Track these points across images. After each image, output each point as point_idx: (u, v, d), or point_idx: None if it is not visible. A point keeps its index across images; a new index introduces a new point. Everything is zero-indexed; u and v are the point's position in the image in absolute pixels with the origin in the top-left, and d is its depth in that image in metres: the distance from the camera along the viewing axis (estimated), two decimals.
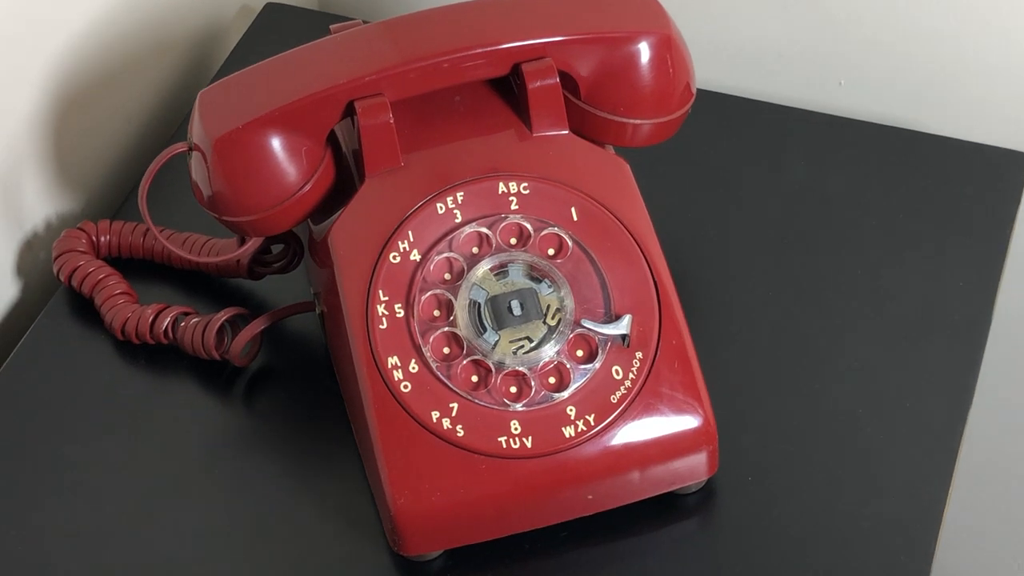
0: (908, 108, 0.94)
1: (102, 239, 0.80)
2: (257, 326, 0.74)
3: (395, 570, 0.69)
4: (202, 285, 0.80)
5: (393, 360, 0.67)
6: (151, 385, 0.77)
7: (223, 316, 0.75)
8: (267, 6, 0.96)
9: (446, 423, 0.66)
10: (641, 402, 0.67)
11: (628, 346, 0.67)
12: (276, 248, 0.77)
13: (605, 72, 0.71)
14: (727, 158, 0.85)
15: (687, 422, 0.67)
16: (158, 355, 0.77)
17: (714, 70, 0.96)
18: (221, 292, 0.80)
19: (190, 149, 0.70)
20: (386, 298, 0.67)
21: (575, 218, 0.69)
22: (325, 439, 0.73)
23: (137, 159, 0.91)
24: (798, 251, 0.80)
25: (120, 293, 0.78)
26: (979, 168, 0.83)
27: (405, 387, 0.66)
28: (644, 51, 0.71)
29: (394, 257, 0.68)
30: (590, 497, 0.67)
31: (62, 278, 0.79)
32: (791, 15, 0.92)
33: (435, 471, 0.66)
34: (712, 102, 0.86)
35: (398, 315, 0.67)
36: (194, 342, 0.75)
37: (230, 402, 0.76)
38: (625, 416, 0.66)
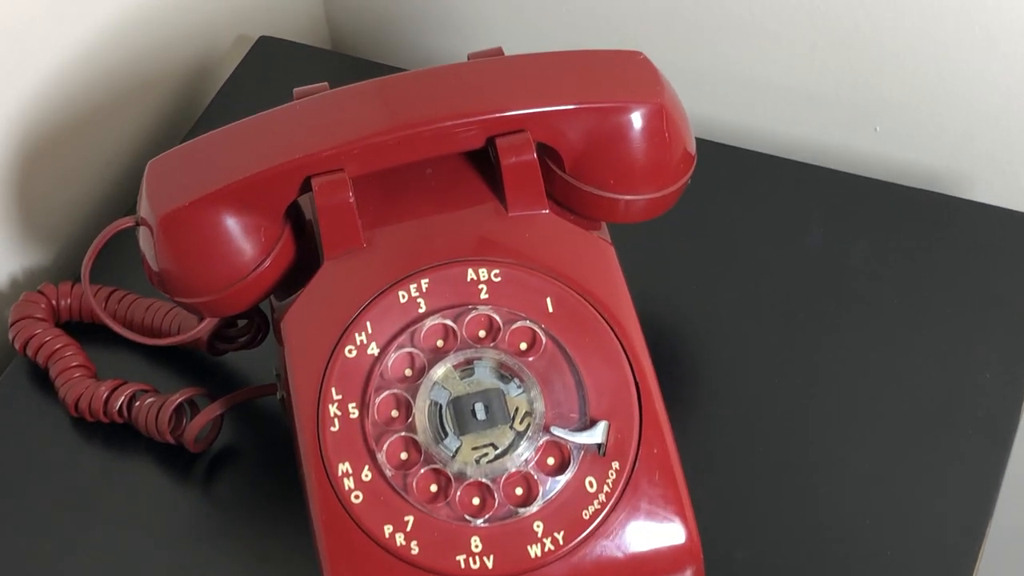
0: (945, 158, 0.87)
1: (62, 303, 0.76)
2: (213, 411, 0.69)
3: None
4: (166, 354, 0.75)
5: (344, 467, 0.61)
6: (107, 465, 0.71)
7: (178, 398, 0.70)
8: (261, 39, 0.91)
9: (400, 539, 0.60)
10: (616, 518, 0.60)
11: (604, 455, 0.61)
12: (242, 321, 0.72)
13: (592, 144, 0.65)
14: (730, 220, 0.78)
15: (669, 539, 0.60)
16: (116, 433, 0.72)
17: (740, 111, 0.90)
18: (185, 362, 0.74)
19: (137, 224, 0.65)
20: (339, 396, 0.62)
21: (550, 309, 0.63)
22: (285, 530, 0.68)
23: (116, 207, 0.86)
24: (806, 331, 0.73)
25: (76, 366, 0.73)
26: (1014, 238, 0.76)
27: (356, 497, 0.60)
28: (634, 122, 0.64)
29: (350, 351, 0.62)
30: None
31: (17, 346, 0.74)
32: (824, 56, 0.85)
33: None
34: (721, 156, 0.80)
35: (352, 416, 0.62)
36: (148, 424, 0.70)
37: (188, 486, 0.70)
38: (598, 534, 0.60)
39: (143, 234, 0.65)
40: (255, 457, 0.71)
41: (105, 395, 0.71)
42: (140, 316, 0.74)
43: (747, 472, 0.68)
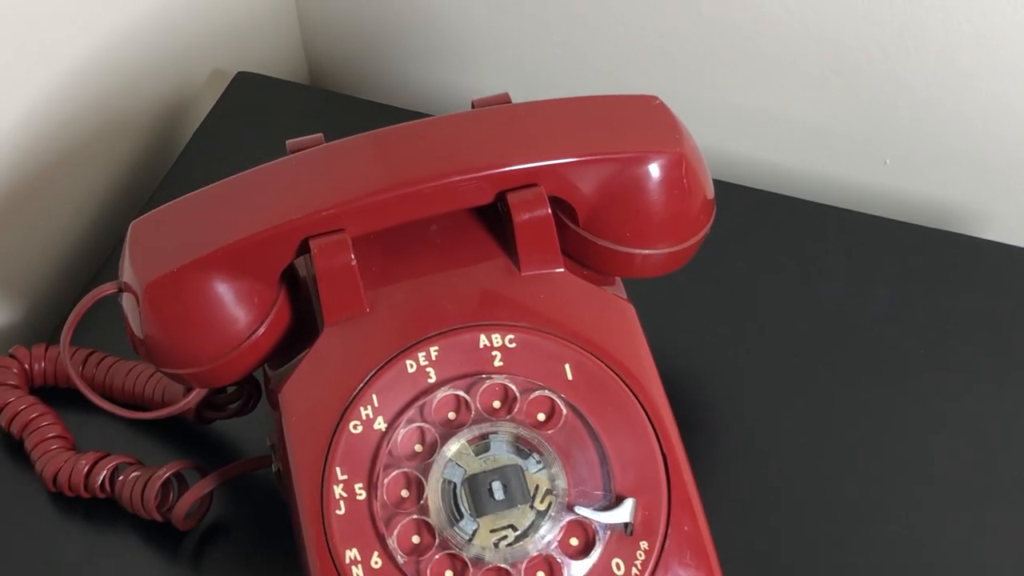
0: (958, 194, 0.83)
1: (36, 367, 0.70)
2: (203, 487, 0.64)
3: None
4: (149, 421, 0.70)
5: (352, 554, 0.56)
6: (89, 544, 0.66)
7: (166, 472, 0.65)
8: (239, 75, 0.86)
9: None
10: None
11: (631, 534, 0.57)
12: (232, 387, 0.67)
13: (607, 196, 0.61)
14: (743, 265, 0.74)
15: None
16: (97, 508, 0.67)
17: (744, 144, 0.86)
18: (170, 430, 0.70)
19: (120, 290, 0.60)
20: (345, 477, 0.57)
21: (570, 377, 0.59)
22: None
23: (89, 256, 0.81)
24: (831, 385, 0.69)
25: (53, 436, 0.68)
26: None
27: None
28: (654, 172, 0.60)
29: (355, 427, 0.58)
30: None
31: None
32: (832, 90, 0.82)
33: None
34: (729, 196, 0.75)
35: (359, 497, 0.57)
36: (133, 500, 0.65)
37: (177, 566, 0.66)
38: None
39: (127, 300, 0.60)
40: (248, 534, 0.66)
41: (86, 469, 0.66)
42: (120, 381, 0.69)
43: (780, 544, 0.64)
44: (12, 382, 0.70)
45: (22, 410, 0.68)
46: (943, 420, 0.67)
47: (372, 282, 0.60)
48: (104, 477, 0.66)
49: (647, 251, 0.62)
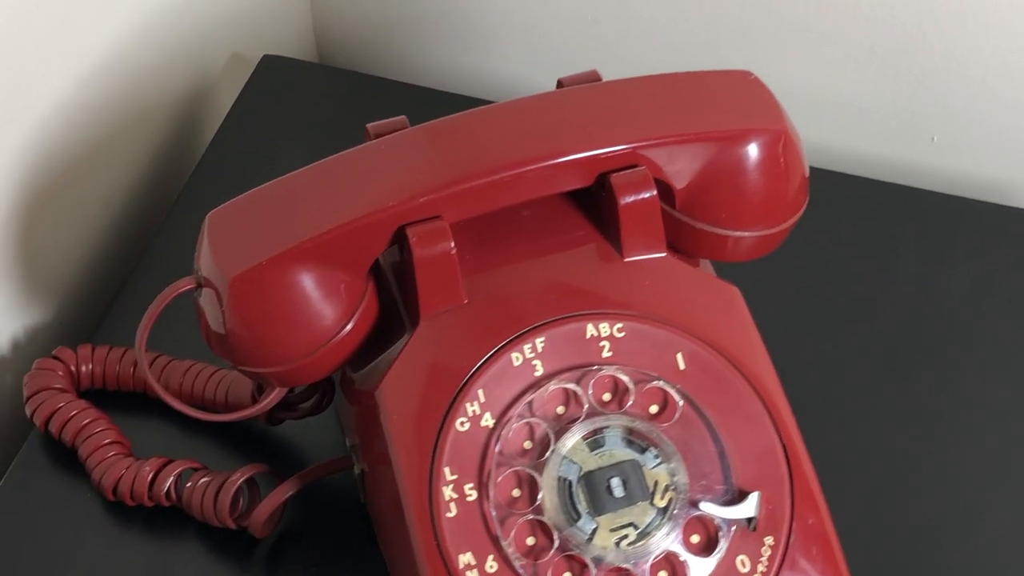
0: (1008, 168, 0.82)
1: (83, 368, 0.66)
2: (284, 492, 0.61)
3: None
4: (203, 425, 0.65)
5: (466, 558, 0.53)
6: (151, 557, 0.63)
7: (240, 477, 0.61)
8: (264, 59, 0.82)
9: None
10: None
11: (755, 530, 0.54)
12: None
13: (706, 176, 0.58)
14: (815, 248, 0.72)
15: None
16: (158, 517, 0.63)
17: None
18: (229, 435, 0.66)
19: (199, 285, 0.57)
20: (454, 477, 0.54)
21: (682, 366, 0.56)
22: None
23: (118, 250, 0.77)
24: (925, 370, 0.67)
25: (110, 443, 0.64)
26: None
27: None
28: (754, 151, 0.58)
29: (462, 424, 0.55)
30: None
31: (37, 423, 0.65)
32: (878, 68, 0.80)
33: None
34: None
35: (469, 498, 0.54)
36: (205, 507, 0.61)
37: (249, 575, 0.62)
38: None
39: (206, 295, 0.57)
40: (323, 540, 0.62)
41: (150, 476, 0.62)
42: (177, 382, 0.65)
43: (888, 533, 0.62)
44: (59, 385, 0.66)
45: (74, 416, 0.64)
46: None
47: (467, 272, 0.57)
48: (170, 484, 0.62)
49: (743, 233, 0.59)
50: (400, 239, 0.56)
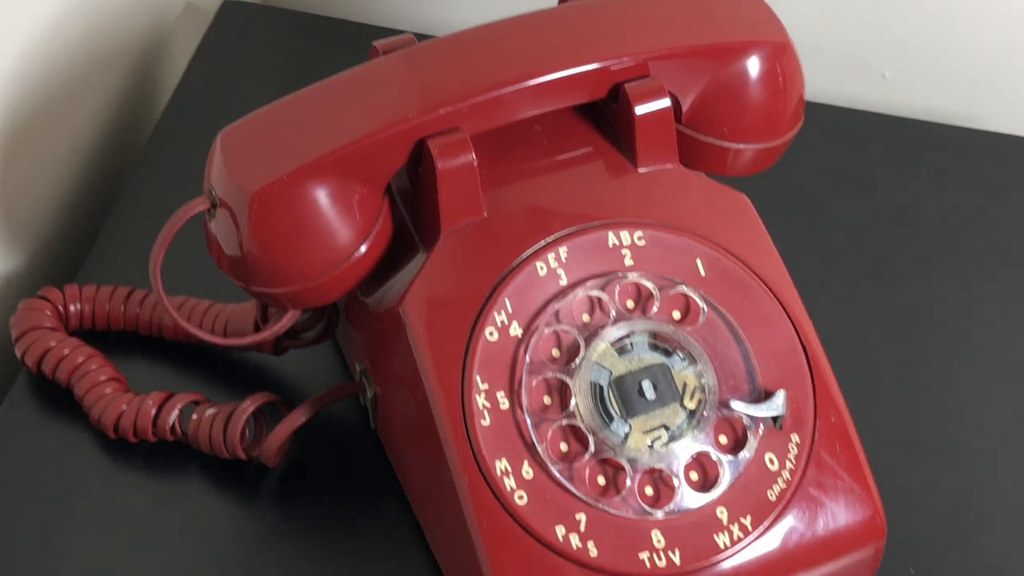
0: (961, 102, 0.84)
1: (71, 308, 0.65)
2: (296, 419, 0.60)
3: None
4: (199, 361, 0.65)
5: (502, 464, 0.53)
6: (154, 493, 0.61)
7: (251, 405, 0.60)
8: (225, 5, 0.81)
9: (575, 540, 0.53)
10: (803, 496, 0.54)
11: (781, 429, 0.55)
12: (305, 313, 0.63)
13: (712, 90, 0.59)
14: (793, 177, 0.73)
15: (855, 515, 0.55)
16: (160, 454, 0.62)
17: None
18: (225, 370, 0.65)
19: (213, 206, 0.56)
20: (486, 386, 0.54)
21: (703, 273, 0.57)
22: (386, 550, 0.60)
23: (88, 197, 0.75)
24: (909, 281, 0.69)
25: (107, 380, 0.62)
26: None
27: (520, 498, 0.53)
28: (757, 64, 0.59)
29: (491, 333, 0.54)
30: None
31: (30, 363, 0.63)
32: (830, 3, 0.81)
33: None
34: None
35: (502, 406, 0.54)
36: (214, 439, 0.60)
37: (259, 510, 0.61)
38: (786, 515, 0.54)
39: (220, 217, 0.56)
40: (334, 468, 0.62)
41: (154, 410, 0.61)
42: (171, 318, 0.64)
43: (901, 433, 0.63)
44: (49, 324, 0.64)
45: (67, 354, 0.63)
46: None
47: (484, 187, 0.56)
48: (175, 417, 0.61)
49: (744, 146, 0.60)
50: (418, 155, 0.56)
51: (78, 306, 0.65)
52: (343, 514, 0.61)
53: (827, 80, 0.85)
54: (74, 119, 0.74)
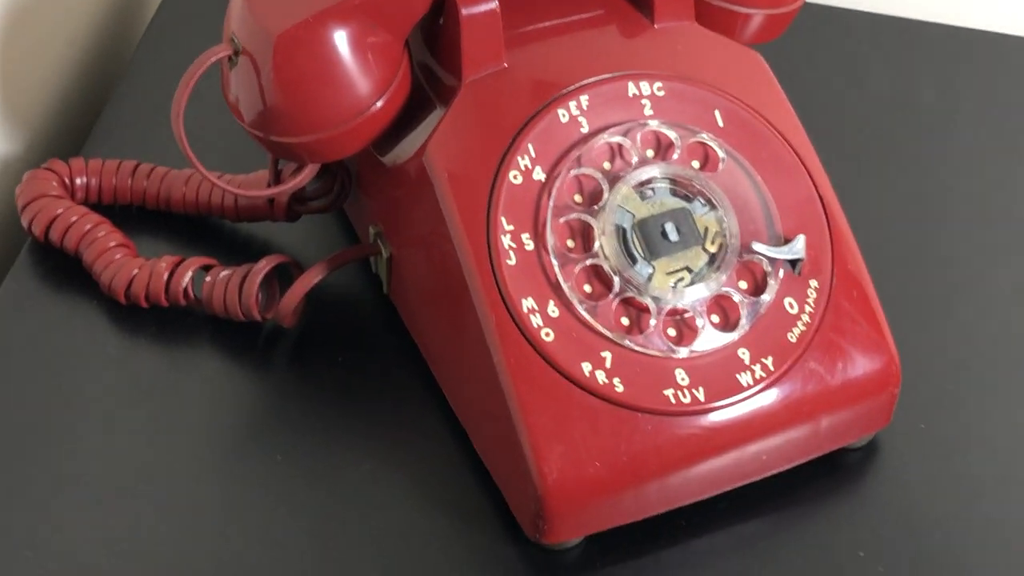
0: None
1: (77, 181, 0.64)
2: (312, 278, 0.60)
3: (523, 564, 0.55)
4: (207, 233, 0.65)
5: (528, 303, 0.54)
6: (166, 358, 0.61)
7: (265, 267, 0.60)
8: None
9: (600, 376, 0.53)
10: (822, 340, 0.55)
11: (799, 274, 0.56)
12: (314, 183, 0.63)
13: None
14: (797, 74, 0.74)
15: (872, 361, 0.56)
16: (172, 317, 0.62)
17: None
18: (234, 239, 0.65)
19: (236, 52, 0.56)
20: (511, 227, 0.54)
21: (721, 123, 0.57)
22: (402, 409, 0.60)
23: (84, 88, 0.74)
24: (912, 167, 0.69)
25: (116, 246, 0.62)
26: None
27: (547, 335, 0.53)
28: None
29: (515, 176, 0.55)
30: (764, 457, 0.56)
31: (36, 231, 0.63)
32: None
33: (592, 436, 0.53)
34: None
35: (527, 247, 0.54)
36: (228, 300, 0.60)
37: (273, 373, 0.61)
38: (806, 358, 0.55)
39: (241, 64, 0.56)
40: (347, 331, 0.62)
41: (167, 273, 0.61)
42: (180, 192, 0.64)
43: (909, 298, 0.64)
44: (55, 193, 0.63)
45: (75, 221, 0.62)
46: None
47: (505, 38, 0.57)
48: (188, 281, 0.61)
49: (755, 10, 0.60)
50: (440, 5, 0.56)
51: (84, 179, 0.65)
52: (358, 377, 0.61)
53: None
54: (68, 11, 0.73)
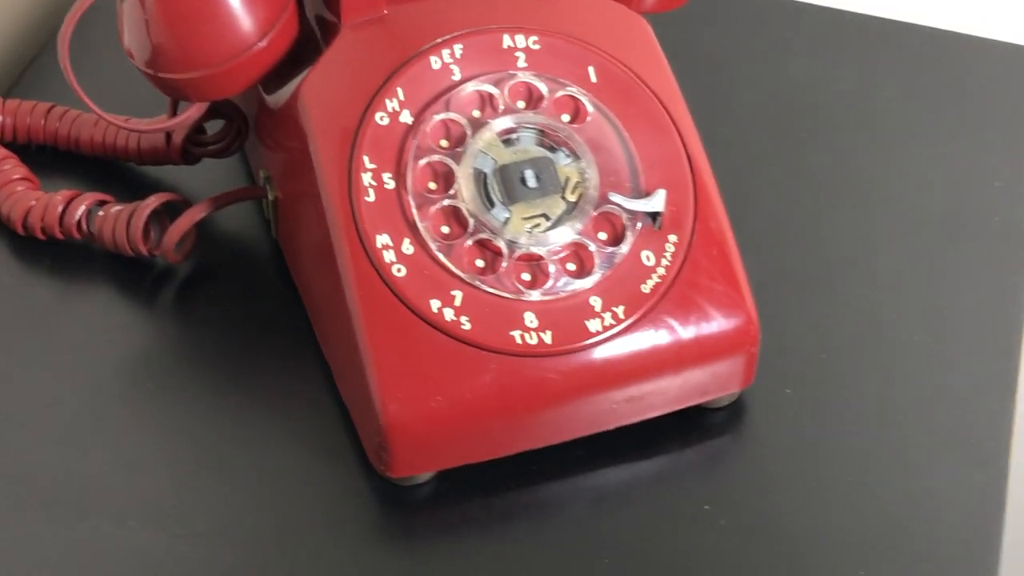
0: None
1: None
2: (196, 213, 0.61)
3: (374, 498, 0.57)
4: (115, 176, 0.67)
5: (383, 239, 0.55)
6: (59, 289, 0.63)
7: (153, 203, 0.62)
8: None
9: (448, 314, 0.54)
10: (677, 293, 0.56)
11: (659, 228, 0.57)
12: (213, 129, 0.65)
13: None
14: (732, 56, 0.75)
15: (728, 319, 0.56)
16: (67, 252, 0.64)
17: None
18: (141, 180, 0.67)
19: None
20: (373, 166, 0.56)
21: (594, 79, 0.58)
22: (278, 348, 0.61)
23: (24, 31, 0.77)
24: (817, 150, 0.70)
25: (19, 179, 0.64)
26: (1012, 68, 0.75)
27: (398, 271, 0.55)
28: None
29: (381, 118, 0.56)
30: (614, 406, 0.56)
31: None
32: None
33: (436, 371, 0.54)
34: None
35: (387, 186, 0.56)
36: (117, 234, 0.62)
37: (159, 308, 0.63)
38: (658, 309, 0.56)
39: (129, 3, 0.58)
40: (235, 273, 0.63)
41: (61, 206, 0.63)
42: (88, 134, 0.66)
43: (774, 270, 0.64)
44: None
45: None
46: (923, 175, 0.69)
47: None
48: (81, 214, 0.63)
49: None
50: None
51: (0, 118, 0.67)
52: (238, 316, 0.62)
53: None
54: None
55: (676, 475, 0.58)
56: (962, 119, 0.72)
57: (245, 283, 0.64)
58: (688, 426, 0.59)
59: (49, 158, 0.68)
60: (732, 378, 0.58)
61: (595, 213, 0.56)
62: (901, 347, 0.63)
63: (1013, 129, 0.71)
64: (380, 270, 0.54)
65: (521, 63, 0.58)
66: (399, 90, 0.57)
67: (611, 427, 0.57)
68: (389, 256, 0.55)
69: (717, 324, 0.57)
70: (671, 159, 0.58)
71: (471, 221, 0.55)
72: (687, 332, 0.56)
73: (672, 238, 0.57)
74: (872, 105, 0.72)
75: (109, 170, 0.67)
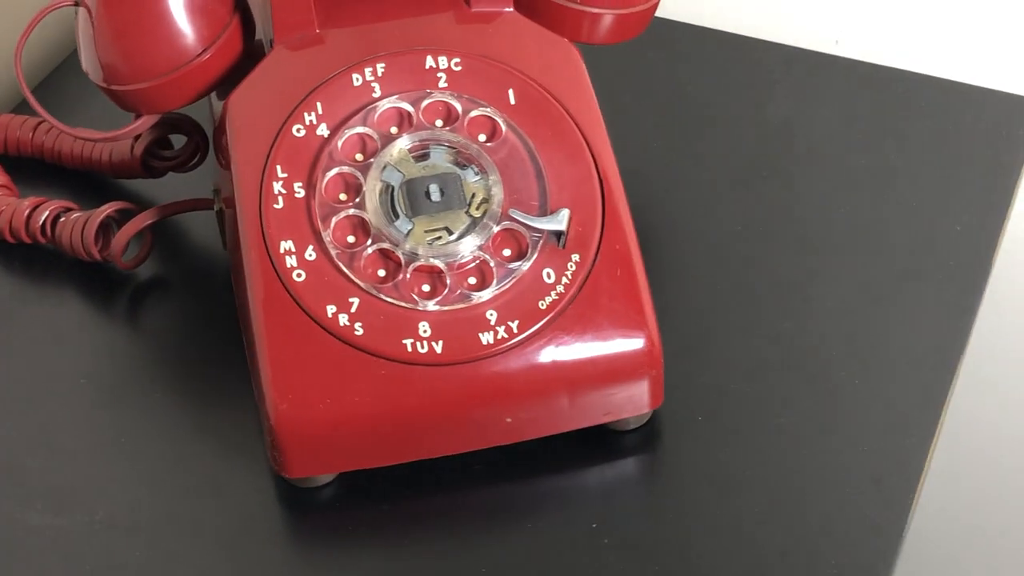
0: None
1: None
2: (143, 220, 0.64)
3: (276, 499, 0.58)
4: (93, 187, 0.70)
5: (287, 244, 0.57)
6: (22, 288, 0.67)
7: (106, 210, 0.65)
8: None
9: (343, 319, 0.56)
10: (575, 312, 0.57)
11: (564, 247, 0.57)
12: (179, 145, 0.68)
13: None
14: (705, 93, 0.75)
15: (628, 341, 0.57)
16: (37, 254, 0.67)
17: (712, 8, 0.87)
18: (113, 195, 0.70)
19: (76, 3, 0.61)
20: (284, 175, 0.58)
21: (512, 101, 0.59)
22: (216, 355, 0.63)
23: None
24: (775, 186, 0.70)
25: None
26: (984, 112, 0.74)
27: (298, 276, 0.56)
28: None
29: (298, 130, 0.58)
30: (509, 420, 0.57)
31: None
32: None
33: (326, 375, 0.55)
34: (695, 36, 0.78)
35: (297, 195, 0.58)
36: (73, 240, 0.65)
37: (111, 310, 0.66)
38: (554, 326, 0.56)
39: (82, 16, 0.61)
40: (188, 279, 0.66)
41: (27, 212, 0.66)
42: (68, 148, 0.70)
43: (709, 301, 0.64)
44: None
45: None
46: (878, 218, 0.68)
47: (324, 19, 0.61)
48: (45, 219, 0.66)
49: (597, 9, 0.62)
50: None
51: None
52: (179, 320, 0.65)
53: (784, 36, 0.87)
54: None
55: (570, 494, 0.58)
56: (934, 161, 0.71)
57: (196, 291, 0.66)
58: (594, 447, 0.59)
59: (38, 171, 0.72)
60: (634, 400, 0.58)
61: (497, 228, 0.57)
62: (823, 381, 0.62)
63: (984, 174, 0.70)
64: (281, 274, 0.56)
65: (442, 83, 0.59)
66: (318, 104, 0.59)
67: (510, 442, 0.57)
68: (291, 261, 0.56)
69: (615, 344, 0.57)
70: (581, 180, 0.58)
71: (373, 231, 0.57)
72: (583, 351, 0.56)
73: (575, 257, 0.57)
74: (842, 144, 0.72)
75: (94, 184, 0.71)
